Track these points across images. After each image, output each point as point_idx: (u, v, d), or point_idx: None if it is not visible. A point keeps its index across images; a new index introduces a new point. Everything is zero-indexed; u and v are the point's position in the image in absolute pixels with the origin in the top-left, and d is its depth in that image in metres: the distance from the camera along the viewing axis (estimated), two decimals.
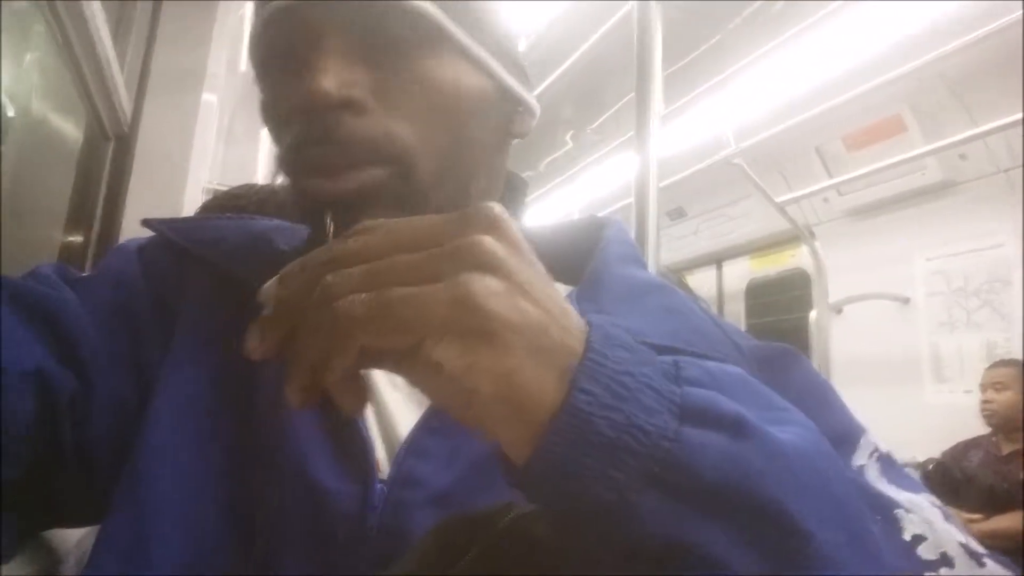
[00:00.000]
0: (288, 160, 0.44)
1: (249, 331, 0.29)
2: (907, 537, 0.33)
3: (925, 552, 0.32)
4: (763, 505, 0.26)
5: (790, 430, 0.29)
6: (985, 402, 2.70)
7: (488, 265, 0.26)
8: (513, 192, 0.54)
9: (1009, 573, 0.33)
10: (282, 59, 0.44)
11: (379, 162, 0.42)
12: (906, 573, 0.31)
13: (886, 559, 0.29)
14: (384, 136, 0.42)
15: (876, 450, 0.42)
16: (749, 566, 0.25)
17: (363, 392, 0.29)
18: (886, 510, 0.34)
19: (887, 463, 0.41)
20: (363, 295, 0.26)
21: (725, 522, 0.26)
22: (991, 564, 0.33)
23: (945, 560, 0.32)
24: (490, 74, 0.47)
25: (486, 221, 0.28)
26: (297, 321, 0.28)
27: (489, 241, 0.27)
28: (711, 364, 0.31)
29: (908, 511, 0.34)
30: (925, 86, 2.87)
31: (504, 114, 0.49)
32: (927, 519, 0.34)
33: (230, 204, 1.04)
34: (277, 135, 0.46)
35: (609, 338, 0.28)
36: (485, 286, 0.26)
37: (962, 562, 0.32)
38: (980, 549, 0.34)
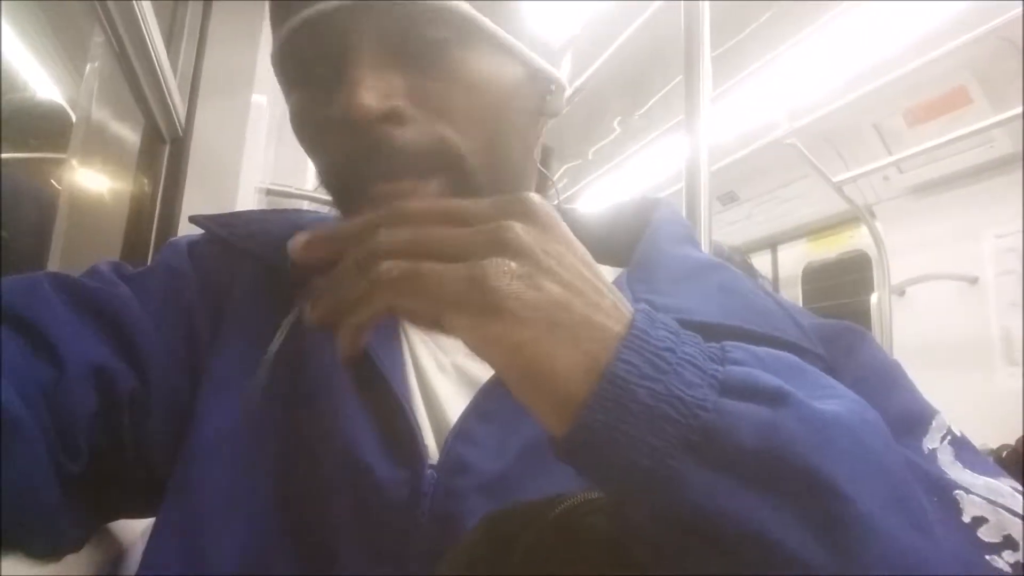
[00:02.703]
0: (338, 172, 0.44)
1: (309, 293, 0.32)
2: (966, 519, 0.31)
3: (986, 534, 0.31)
4: (802, 470, 0.26)
5: (834, 403, 0.29)
6: None
7: (511, 249, 0.29)
8: (545, 166, 0.54)
9: None
10: (312, 69, 0.43)
11: (437, 171, 0.42)
12: (963, 553, 0.29)
13: (939, 534, 0.28)
14: (436, 143, 0.42)
15: (949, 432, 0.39)
16: (789, 532, 0.25)
17: (360, 342, 0.32)
18: (944, 492, 0.32)
19: (961, 446, 0.39)
20: (400, 262, 0.29)
21: (764, 489, 0.26)
22: None
23: (1009, 543, 0.30)
24: (521, 60, 0.46)
25: (520, 208, 0.31)
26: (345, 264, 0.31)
27: (517, 227, 0.29)
28: (760, 349, 0.31)
29: (969, 492, 0.32)
30: (991, 54, 2.72)
31: (537, 95, 0.49)
32: (1004, 505, 0.32)
33: None
34: (313, 147, 0.45)
35: (653, 319, 0.29)
36: (502, 268, 0.28)
37: None
38: None
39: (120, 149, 1.24)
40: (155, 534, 0.43)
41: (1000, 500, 0.33)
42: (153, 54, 1.10)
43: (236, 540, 0.41)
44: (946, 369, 3.12)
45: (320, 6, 0.40)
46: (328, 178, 0.46)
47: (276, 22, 0.44)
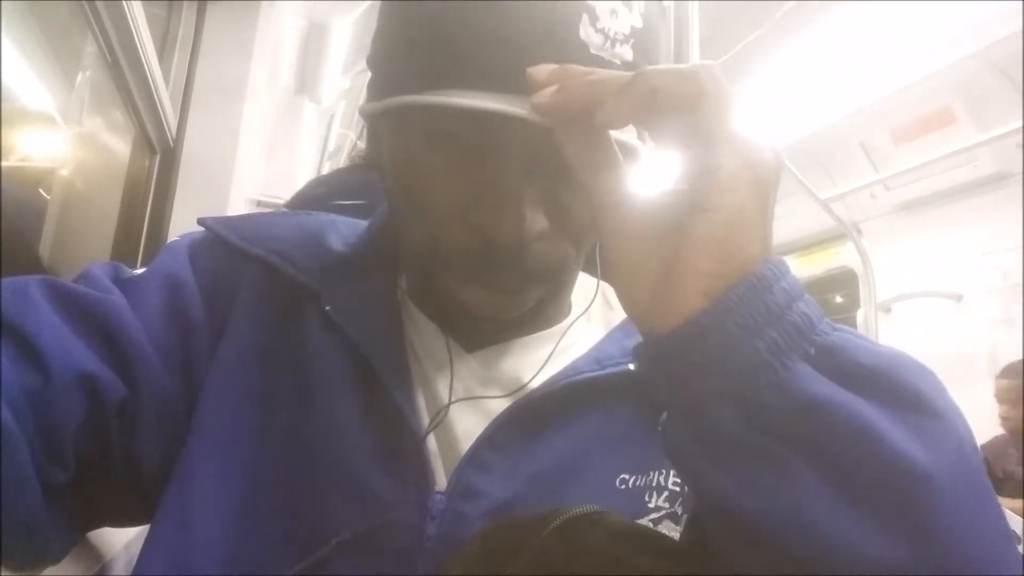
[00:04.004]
0: (442, 261, 0.42)
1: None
2: None
3: None
4: (910, 389, 0.29)
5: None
6: (1003, 418, 2.57)
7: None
8: None
9: None
10: (453, 159, 0.40)
11: (543, 283, 0.43)
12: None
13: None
14: (556, 262, 0.42)
15: None
16: (900, 435, 0.28)
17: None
18: None
19: None
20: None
21: (874, 397, 0.29)
22: None
23: (1016, 539, 0.32)
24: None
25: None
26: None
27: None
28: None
29: None
30: (976, 75, 2.77)
31: None
32: None
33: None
34: (420, 226, 0.42)
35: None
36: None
37: None
38: None
39: (110, 158, 1.23)
40: (149, 544, 0.42)
41: None
42: (145, 64, 1.10)
43: (232, 554, 0.41)
44: None
45: (498, 107, 0.36)
46: (424, 258, 0.44)
47: (434, 75, 0.39)
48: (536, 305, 0.45)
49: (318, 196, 1.04)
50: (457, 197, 0.40)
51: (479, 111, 0.36)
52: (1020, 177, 3.03)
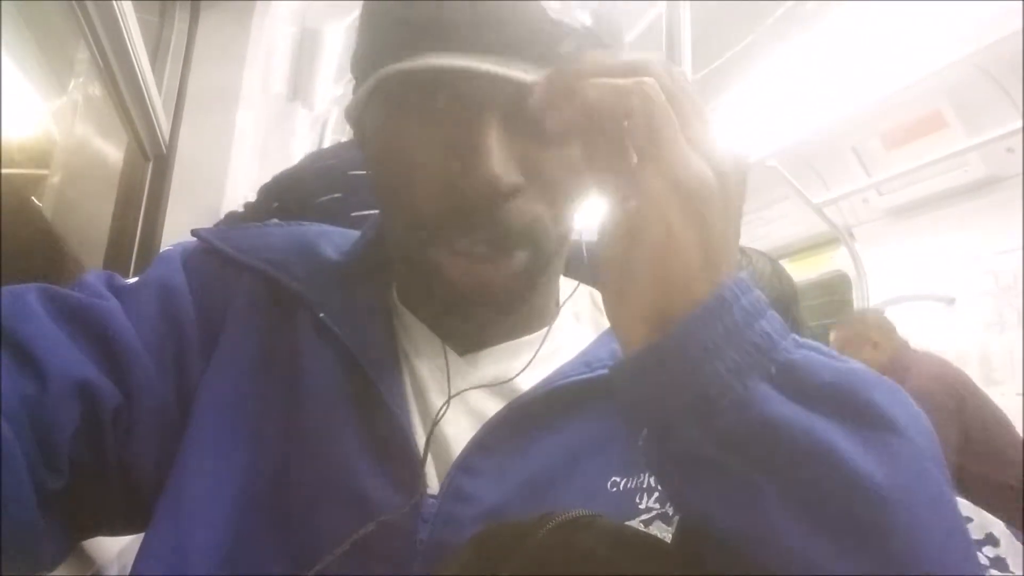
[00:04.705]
0: (420, 232, 0.42)
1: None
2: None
3: (972, 532, 0.34)
4: (869, 405, 0.30)
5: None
6: None
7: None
8: None
9: None
10: (431, 112, 0.41)
11: (522, 247, 0.42)
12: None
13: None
14: (534, 221, 0.42)
15: None
16: (857, 453, 0.28)
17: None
18: None
19: None
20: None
21: (833, 414, 0.29)
22: None
23: (991, 540, 0.33)
24: None
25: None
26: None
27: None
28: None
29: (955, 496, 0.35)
30: (965, 79, 2.79)
31: None
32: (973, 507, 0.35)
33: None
34: (400, 200, 0.43)
35: (756, 289, 0.33)
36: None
37: (1007, 542, 0.33)
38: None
39: (103, 166, 1.23)
40: (143, 551, 0.42)
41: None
42: (138, 71, 1.10)
43: (225, 561, 0.41)
44: None
45: (462, 63, 0.38)
46: (404, 232, 0.44)
47: (400, 45, 0.40)
48: (523, 306, 0.45)
49: (332, 167, 1.04)
50: (432, 159, 0.41)
51: (442, 69, 0.38)
52: (1010, 181, 3.05)
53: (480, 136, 0.39)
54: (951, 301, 3.32)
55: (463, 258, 0.41)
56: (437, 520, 0.41)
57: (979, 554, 0.32)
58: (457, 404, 0.45)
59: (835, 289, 4.10)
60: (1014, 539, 0.33)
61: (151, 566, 0.41)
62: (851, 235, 3.47)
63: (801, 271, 4.38)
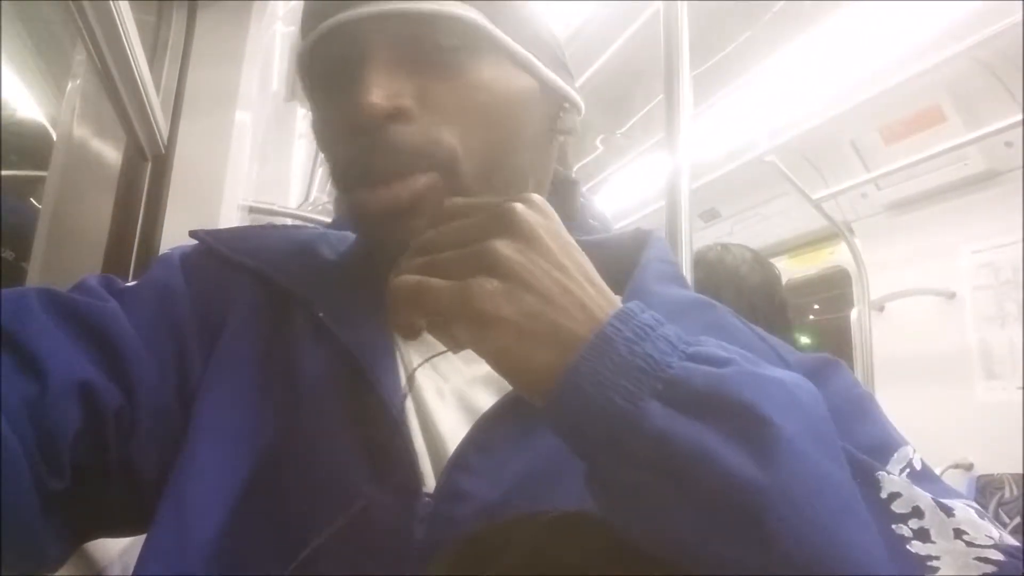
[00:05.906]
0: (339, 174, 0.46)
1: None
2: (883, 495, 0.35)
3: (898, 507, 0.34)
4: (739, 404, 0.31)
5: (778, 372, 0.34)
6: None
7: (491, 268, 0.34)
8: (562, 190, 0.55)
9: (981, 519, 0.34)
10: (332, 78, 0.46)
11: (424, 168, 0.44)
12: (876, 522, 0.33)
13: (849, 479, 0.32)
14: (429, 143, 0.44)
15: (908, 465, 0.41)
16: (730, 452, 0.30)
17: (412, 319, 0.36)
18: (867, 473, 0.35)
19: (920, 478, 0.41)
20: (416, 278, 0.35)
21: (710, 420, 0.31)
22: (961, 511, 0.34)
23: (916, 512, 0.34)
24: (533, 73, 0.47)
25: (505, 222, 0.35)
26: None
27: (499, 245, 0.34)
28: (733, 347, 0.36)
29: (890, 475, 0.35)
30: (964, 73, 2.79)
31: (549, 112, 0.50)
32: (942, 503, 0.34)
33: None
34: (331, 153, 0.47)
35: (645, 309, 0.35)
36: (485, 286, 0.33)
37: (931, 514, 0.34)
38: (951, 503, 0.35)
39: (101, 166, 1.23)
40: (145, 552, 0.42)
41: (942, 500, 0.35)
42: (136, 71, 1.10)
43: (225, 561, 0.41)
44: (925, 383, 3.15)
45: (341, 16, 0.43)
46: (336, 180, 0.48)
47: (303, 31, 0.47)
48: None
49: None
50: (339, 108, 0.45)
51: (331, 29, 0.44)
52: (1010, 175, 3.05)
53: (362, 71, 0.43)
54: (951, 295, 3.32)
55: (367, 188, 0.44)
56: (433, 520, 0.41)
57: (903, 527, 0.33)
58: (453, 401, 0.46)
59: (835, 285, 4.09)
60: (938, 510, 0.33)
61: (153, 566, 0.41)
62: (850, 230, 3.47)
63: (800, 267, 4.37)
